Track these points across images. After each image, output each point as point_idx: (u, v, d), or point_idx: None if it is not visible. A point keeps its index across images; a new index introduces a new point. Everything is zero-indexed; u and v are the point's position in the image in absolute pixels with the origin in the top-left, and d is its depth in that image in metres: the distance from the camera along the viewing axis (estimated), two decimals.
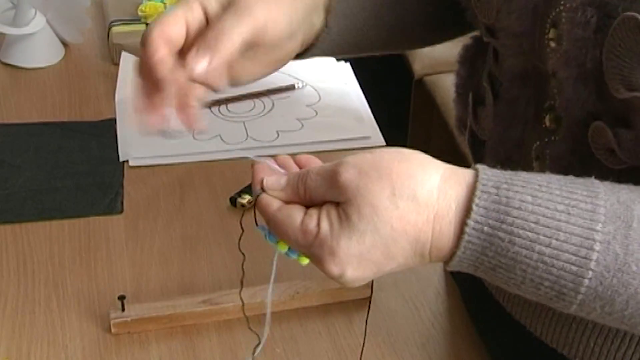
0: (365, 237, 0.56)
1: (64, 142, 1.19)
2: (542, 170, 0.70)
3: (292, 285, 0.92)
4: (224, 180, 1.12)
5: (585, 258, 0.54)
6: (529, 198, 0.55)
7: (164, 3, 1.40)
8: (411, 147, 1.90)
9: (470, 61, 0.82)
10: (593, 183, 0.57)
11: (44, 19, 1.35)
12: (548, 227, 0.54)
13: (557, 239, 0.54)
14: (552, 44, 0.66)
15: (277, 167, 0.63)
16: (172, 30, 0.65)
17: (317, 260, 0.58)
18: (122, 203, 1.08)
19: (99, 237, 1.03)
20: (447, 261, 0.57)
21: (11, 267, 0.98)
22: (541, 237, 0.54)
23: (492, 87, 0.76)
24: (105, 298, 0.93)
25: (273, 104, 1.28)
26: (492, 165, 0.78)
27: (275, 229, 0.60)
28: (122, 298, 0.89)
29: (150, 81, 0.66)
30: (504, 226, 0.54)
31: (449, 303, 0.94)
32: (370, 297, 0.93)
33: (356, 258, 0.56)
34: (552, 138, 0.70)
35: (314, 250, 0.57)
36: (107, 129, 1.21)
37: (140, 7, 1.40)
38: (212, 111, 1.26)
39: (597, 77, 0.63)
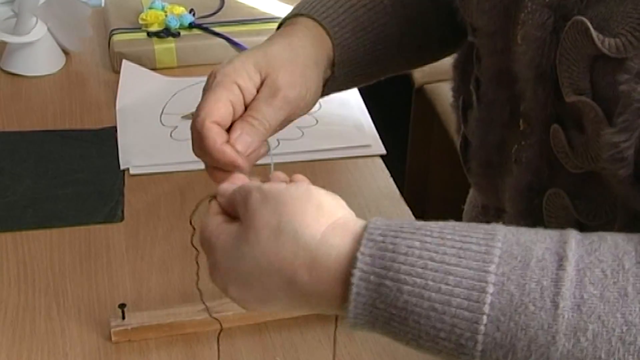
0: (243, 261, 0.57)
1: (65, 150, 1.19)
2: (520, 173, 0.71)
3: None
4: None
5: (478, 302, 0.51)
6: (417, 244, 0.53)
7: (165, 11, 1.41)
8: (411, 155, 1.90)
9: (462, 65, 0.83)
10: (494, 227, 0.54)
11: (45, 28, 1.35)
12: (436, 271, 0.52)
13: (446, 284, 0.51)
14: (520, 44, 0.67)
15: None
16: (222, 115, 0.68)
17: (209, 264, 0.61)
18: (122, 211, 1.08)
19: (99, 245, 1.03)
20: (344, 317, 0.56)
21: (12, 275, 0.98)
22: (430, 283, 0.52)
23: (477, 91, 0.78)
24: (105, 306, 0.93)
25: None
26: (476, 169, 0.79)
27: (200, 230, 0.63)
28: (122, 306, 0.89)
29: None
30: (390, 274, 0.52)
31: None
32: None
33: (235, 278, 0.58)
34: (526, 141, 0.71)
35: (209, 258, 0.61)
36: (107, 137, 1.22)
37: (141, 16, 1.40)
38: None
39: (554, 79, 0.64)
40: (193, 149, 0.71)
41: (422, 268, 0.52)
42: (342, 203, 0.59)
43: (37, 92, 1.32)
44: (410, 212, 1.09)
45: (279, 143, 1.21)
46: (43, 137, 1.22)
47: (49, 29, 1.36)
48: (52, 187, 1.12)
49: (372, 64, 0.81)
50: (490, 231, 0.54)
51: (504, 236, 0.53)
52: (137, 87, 1.32)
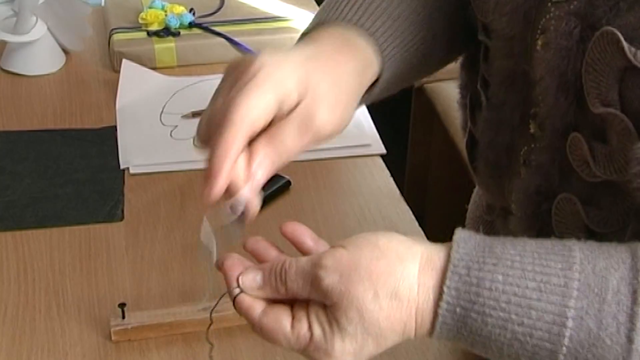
0: (356, 338, 0.57)
1: (65, 149, 1.19)
2: (529, 176, 0.70)
3: None
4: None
5: (558, 335, 0.54)
6: (500, 277, 0.55)
7: (165, 11, 1.41)
8: (412, 155, 1.89)
9: (469, 64, 0.83)
10: (571, 251, 0.56)
11: (45, 27, 1.35)
12: (520, 306, 0.55)
13: (529, 318, 0.54)
14: (540, 51, 0.66)
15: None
16: (260, 116, 0.61)
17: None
18: (122, 211, 1.08)
19: (99, 244, 1.03)
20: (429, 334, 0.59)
21: (12, 274, 0.98)
22: (513, 317, 0.55)
23: (485, 91, 0.77)
24: (105, 305, 0.93)
25: None
26: (483, 169, 0.78)
27: (261, 333, 0.60)
28: (122, 305, 0.89)
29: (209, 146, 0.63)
30: (475, 307, 0.55)
31: None
32: None
33: (351, 356, 0.58)
34: (537, 145, 0.70)
35: (310, 352, 0.59)
36: (107, 137, 1.22)
37: (141, 15, 1.40)
38: None
39: (577, 89, 0.63)
40: (199, 133, 0.64)
41: (506, 303, 0.55)
42: (402, 237, 0.60)
43: (37, 92, 1.32)
44: (410, 212, 1.09)
45: None
46: (43, 137, 1.22)
47: (48, 28, 1.36)
48: (52, 187, 1.12)
49: (405, 81, 0.77)
50: (568, 258, 0.56)
51: (581, 264, 0.55)
52: (137, 86, 1.32)
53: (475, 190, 0.92)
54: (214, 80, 1.45)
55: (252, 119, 0.60)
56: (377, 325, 0.57)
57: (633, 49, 0.57)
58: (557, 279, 0.55)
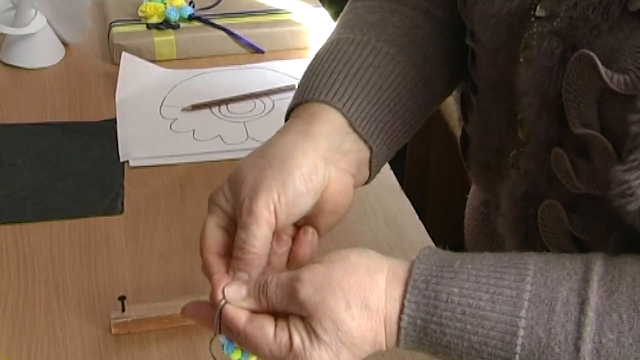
0: (332, 347, 0.60)
1: (64, 142, 1.19)
2: (517, 180, 0.71)
3: None
4: (224, 180, 1.11)
5: (510, 344, 0.57)
6: (456, 290, 0.59)
7: (164, 3, 1.40)
8: (411, 147, 1.89)
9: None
10: (526, 264, 0.59)
11: (45, 19, 1.35)
12: (474, 316, 0.58)
13: (483, 328, 0.58)
14: (523, 67, 0.66)
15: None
16: (215, 243, 0.67)
17: None
18: (122, 203, 1.08)
19: (99, 237, 1.03)
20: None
21: (11, 267, 0.98)
22: (468, 327, 0.58)
23: (474, 95, 0.77)
24: (105, 298, 0.93)
25: (273, 105, 1.28)
26: (475, 168, 0.78)
27: (245, 341, 0.63)
28: (122, 298, 0.89)
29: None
30: (434, 318, 0.59)
31: None
32: None
33: None
34: (525, 150, 0.70)
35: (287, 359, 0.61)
36: (107, 130, 1.21)
37: (140, 8, 1.40)
38: (212, 111, 1.26)
39: (559, 107, 0.63)
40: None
41: (461, 314, 0.58)
42: (372, 252, 0.64)
43: (37, 84, 1.32)
44: (409, 204, 1.09)
45: None
46: (42, 129, 1.22)
47: (48, 21, 1.35)
48: (51, 180, 1.12)
49: (409, 119, 0.74)
50: (522, 270, 0.59)
51: (534, 276, 0.59)
52: (136, 79, 1.32)
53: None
54: (214, 73, 1.46)
55: (213, 250, 0.67)
56: (350, 334, 0.60)
57: (610, 72, 0.57)
58: (509, 290, 0.58)
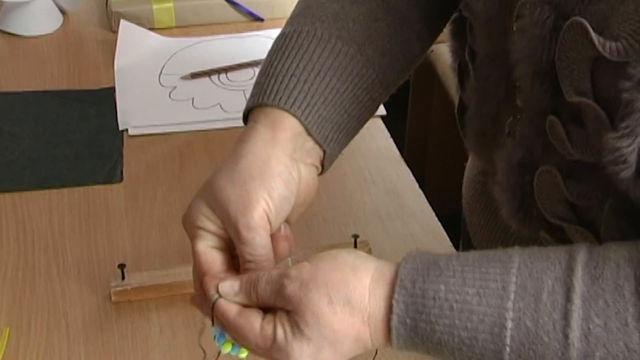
0: (313, 341, 0.61)
1: (63, 110, 1.19)
2: (513, 148, 0.71)
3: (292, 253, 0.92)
4: (223, 148, 1.11)
5: (500, 336, 0.58)
6: (442, 287, 0.59)
7: None
8: (412, 116, 1.88)
9: (457, 34, 0.82)
10: (510, 257, 0.60)
11: None
12: (462, 312, 0.58)
13: (471, 322, 0.58)
14: (516, 36, 0.66)
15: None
16: (212, 266, 0.68)
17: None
18: (121, 172, 1.08)
19: (98, 206, 1.03)
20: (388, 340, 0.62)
21: (11, 235, 0.98)
22: (457, 322, 0.59)
23: (472, 62, 0.77)
24: (105, 266, 0.94)
25: None
26: (471, 136, 0.79)
27: (235, 333, 0.64)
28: (122, 266, 0.89)
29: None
30: (423, 316, 0.59)
31: None
32: None
33: (309, 358, 0.62)
34: (521, 116, 0.70)
35: (273, 353, 0.63)
36: (106, 98, 1.21)
37: None
38: (211, 80, 1.25)
39: (552, 76, 0.63)
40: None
41: (449, 310, 0.59)
42: (362, 253, 0.64)
43: (35, 52, 1.31)
44: (409, 173, 1.09)
45: None
46: (41, 98, 1.21)
47: None
48: (50, 148, 1.11)
49: (362, 116, 0.76)
50: (507, 264, 0.59)
51: (519, 268, 0.59)
52: (135, 47, 1.31)
53: None
54: (213, 41, 1.45)
55: (211, 274, 0.68)
56: (332, 329, 0.60)
57: (602, 40, 0.57)
58: (495, 283, 0.58)
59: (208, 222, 0.68)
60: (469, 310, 0.58)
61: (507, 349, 0.57)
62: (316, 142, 0.71)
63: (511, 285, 0.58)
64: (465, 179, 0.93)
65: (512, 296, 0.58)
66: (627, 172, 0.58)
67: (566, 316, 0.57)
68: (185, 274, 0.90)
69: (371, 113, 0.77)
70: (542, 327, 0.57)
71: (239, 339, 0.64)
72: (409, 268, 0.61)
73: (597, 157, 0.60)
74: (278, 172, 0.68)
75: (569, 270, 0.58)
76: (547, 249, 0.60)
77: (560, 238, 0.70)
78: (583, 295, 0.57)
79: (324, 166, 0.74)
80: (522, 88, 0.68)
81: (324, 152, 0.72)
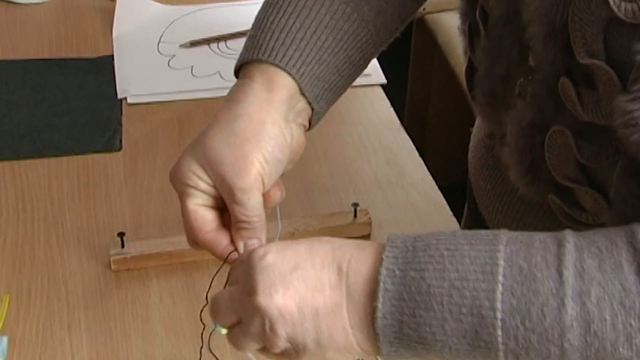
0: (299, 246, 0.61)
1: (61, 79, 1.18)
2: (524, 108, 0.71)
3: (292, 222, 0.92)
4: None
5: (492, 273, 0.56)
6: (434, 241, 0.59)
7: None
8: (412, 85, 1.88)
9: None
10: (499, 231, 0.60)
11: None
12: (453, 256, 0.58)
13: (462, 264, 0.57)
14: None
15: None
16: (204, 223, 0.69)
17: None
18: (120, 140, 1.07)
19: (97, 174, 1.02)
20: (371, 325, 0.59)
21: (10, 204, 0.98)
22: (447, 266, 0.57)
23: (483, 22, 0.76)
24: (104, 235, 0.93)
25: None
26: (480, 98, 0.78)
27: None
28: (121, 235, 0.89)
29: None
30: (413, 265, 0.58)
31: None
32: (370, 234, 0.93)
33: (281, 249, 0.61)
34: (534, 77, 0.70)
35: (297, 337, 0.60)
36: (104, 66, 1.20)
37: None
38: (211, 48, 1.25)
39: (565, 37, 0.63)
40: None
41: (440, 257, 0.58)
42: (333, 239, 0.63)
43: (32, 20, 1.30)
44: (410, 142, 1.09)
45: None
46: (39, 66, 1.20)
47: None
48: (49, 116, 1.11)
49: (352, 74, 0.77)
50: (496, 233, 0.59)
51: (508, 233, 0.59)
52: (134, 15, 1.30)
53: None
54: (212, 9, 1.44)
55: (203, 231, 0.69)
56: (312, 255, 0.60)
57: (617, 1, 0.56)
58: (486, 236, 0.59)
59: (199, 181, 0.68)
60: (460, 254, 0.57)
61: (500, 286, 0.56)
62: (308, 102, 0.72)
63: (502, 236, 0.58)
64: (471, 144, 0.93)
65: (503, 241, 0.58)
66: (638, 136, 0.57)
67: (559, 257, 0.56)
68: (184, 242, 0.89)
69: (361, 71, 0.78)
70: (535, 265, 0.56)
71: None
72: (397, 235, 0.61)
73: (608, 119, 0.60)
74: (274, 135, 0.68)
75: (560, 234, 0.58)
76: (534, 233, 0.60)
77: (569, 202, 0.70)
78: (576, 244, 0.57)
79: (311, 124, 0.74)
80: (534, 49, 0.68)
81: (313, 110, 0.73)
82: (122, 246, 0.89)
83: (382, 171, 1.04)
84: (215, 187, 0.68)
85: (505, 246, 0.57)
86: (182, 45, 1.24)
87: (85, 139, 1.07)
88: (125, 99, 1.14)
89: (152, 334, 0.83)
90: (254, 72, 0.70)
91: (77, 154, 1.05)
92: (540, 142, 0.69)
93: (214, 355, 0.80)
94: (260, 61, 0.70)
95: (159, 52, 1.24)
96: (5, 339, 0.81)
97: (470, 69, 0.81)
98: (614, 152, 0.64)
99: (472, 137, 0.93)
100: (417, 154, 1.07)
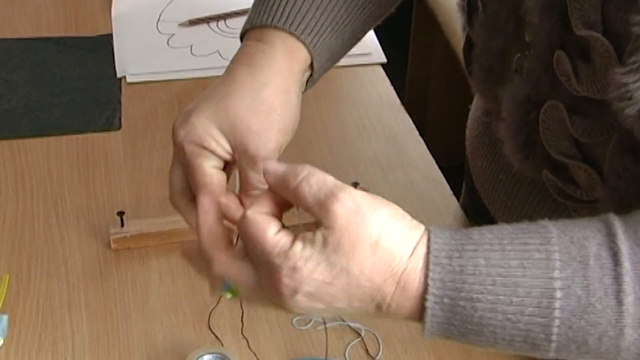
0: (333, 270, 0.55)
1: (60, 58, 1.17)
2: (520, 83, 0.70)
3: None
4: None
5: (549, 308, 0.54)
6: (482, 261, 0.55)
7: None
8: (412, 64, 1.87)
9: None
10: (545, 227, 0.56)
11: None
12: (506, 285, 0.54)
13: (517, 296, 0.54)
14: None
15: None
16: (219, 188, 0.67)
17: (273, 272, 0.56)
18: (119, 119, 1.07)
19: (97, 153, 1.02)
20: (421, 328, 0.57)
21: (9, 183, 0.98)
22: (501, 297, 0.54)
23: None
24: (104, 214, 0.93)
25: None
26: (477, 73, 0.78)
27: (246, 228, 0.57)
28: (121, 214, 0.89)
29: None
30: (462, 294, 0.54)
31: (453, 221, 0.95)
32: None
33: (315, 284, 0.55)
34: (530, 52, 0.69)
35: (275, 260, 0.56)
36: (103, 45, 1.20)
37: None
38: (210, 27, 1.24)
39: (561, 10, 0.62)
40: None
41: (492, 285, 0.54)
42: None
43: None
44: (410, 121, 1.09)
45: None
46: (38, 45, 1.20)
47: None
48: (48, 95, 1.10)
49: (349, 49, 0.77)
50: (544, 234, 0.56)
51: (558, 237, 0.55)
52: None
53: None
54: None
55: (217, 195, 0.65)
56: (361, 268, 0.55)
57: None
58: (538, 253, 0.55)
59: (217, 146, 0.66)
60: (514, 283, 0.54)
61: (557, 321, 0.54)
62: (311, 73, 0.71)
63: (555, 254, 0.54)
64: (469, 122, 0.93)
65: (557, 264, 0.54)
66: (633, 109, 0.57)
67: (618, 280, 0.53)
68: (184, 221, 0.90)
69: (351, 48, 0.78)
70: (594, 293, 0.53)
71: (248, 237, 0.57)
72: (440, 243, 0.56)
73: (603, 93, 0.59)
74: (295, 105, 0.68)
75: (611, 236, 0.55)
76: (578, 220, 0.57)
77: (563, 178, 0.70)
78: (632, 258, 0.54)
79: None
80: (531, 22, 0.67)
81: (307, 81, 0.73)
82: (122, 225, 0.89)
83: (382, 150, 1.04)
84: (232, 154, 0.67)
85: (560, 271, 0.54)
86: (182, 24, 1.24)
87: (84, 118, 1.07)
88: (125, 78, 1.14)
89: (151, 312, 0.83)
90: (274, 40, 0.69)
91: (76, 133, 1.05)
92: (536, 117, 0.69)
93: (214, 335, 0.81)
94: (276, 28, 0.69)
95: (158, 31, 1.23)
96: (5, 318, 0.81)
97: (468, 45, 0.81)
98: (608, 127, 0.63)
99: (470, 115, 0.93)
100: (417, 133, 1.07)
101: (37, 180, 0.98)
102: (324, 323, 0.82)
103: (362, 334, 0.81)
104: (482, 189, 0.86)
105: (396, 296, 0.55)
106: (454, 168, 1.06)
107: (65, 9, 1.27)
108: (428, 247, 0.55)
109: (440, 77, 2.05)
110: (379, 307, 0.56)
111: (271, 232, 0.56)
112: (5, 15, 1.26)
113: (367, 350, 0.80)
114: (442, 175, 1.01)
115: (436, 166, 1.02)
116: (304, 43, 0.69)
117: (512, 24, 0.72)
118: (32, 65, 1.16)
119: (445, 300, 0.54)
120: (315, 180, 0.56)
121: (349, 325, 0.81)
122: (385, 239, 0.55)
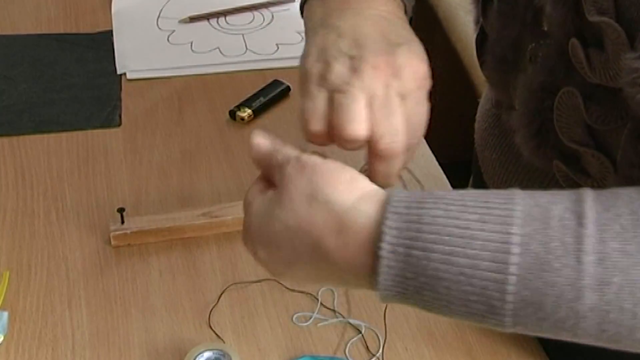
0: (275, 223, 0.58)
1: (60, 54, 1.17)
2: (534, 72, 0.71)
3: None
4: (222, 93, 1.11)
5: (504, 263, 0.52)
6: (441, 212, 0.54)
7: None
8: None
9: None
10: (512, 191, 0.55)
11: None
12: (462, 237, 0.53)
13: (472, 248, 0.53)
14: None
15: None
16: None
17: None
18: (120, 116, 1.07)
19: (97, 150, 1.02)
20: (374, 288, 0.56)
21: (9, 179, 0.98)
22: (456, 249, 0.53)
23: None
24: (104, 211, 0.93)
25: (272, 17, 1.26)
26: (490, 63, 0.78)
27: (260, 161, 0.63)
28: (121, 210, 0.89)
29: None
30: (417, 243, 0.53)
31: None
32: None
33: (265, 240, 0.59)
34: (546, 41, 0.70)
35: (244, 220, 0.62)
36: (104, 41, 1.20)
37: None
38: (210, 23, 1.24)
39: None
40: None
41: (448, 235, 0.53)
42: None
43: None
44: None
45: (277, 47, 1.19)
46: (38, 41, 1.20)
47: None
48: (48, 92, 1.10)
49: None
50: (509, 195, 0.55)
51: (523, 199, 0.54)
52: None
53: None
54: None
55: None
56: (297, 220, 0.57)
57: None
58: (499, 211, 0.53)
59: None
60: (470, 235, 0.53)
61: (512, 278, 0.52)
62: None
63: (516, 212, 0.53)
64: (478, 115, 0.93)
65: (518, 222, 0.53)
66: None
67: (579, 240, 0.51)
68: (184, 218, 0.90)
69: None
70: (552, 251, 0.51)
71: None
72: (401, 196, 0.55)
73: (615, 80, 0.59)
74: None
75: (579, 201, 0.53)
76: (549, 192, 0.56)
77: (574, 167, 0.70)
78: (597, 221, 0.52)
79: None
80: (545, 11, 0.67)
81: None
82: (122, 222, 0.89)
83: None
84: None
85: (520, 227, 0.52)
86: (182, 21, 1.24)
87: (84, 114, 1.07)
88: (125, 74, 1.14)
89: (152, 309, 0.83)
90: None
91: (76, 129, 1.05)
92: (550, 105, 0.69)
93: (214, 332, 0.81)
94: None
95: (159, 27, 1.23)
96: (5, 315, 0.81)
97: (482, 36, 0.81)
98: (623, 114, 0.63)
99: (479, 107, 0.93)
100: None
101: (37, 177, 0.98)
102: (325, 320, 0.82)
103: (363, 331, 0.81)
104: (491, 181, 0.86)
105: (339, 250, 0.56)
106: (455, 165, 1.06)
107: (66, 5, 1.27)
108: (387, 199, 0.56)
109: (441, 74, 2.04)
110: (331, 265, 0.57)
111: (255, 186, 0.62)
112: (5, 12, 1.26)
113: (367, 347, 0.80)
114: (442, 172, 1.01)
115: (437, 163, 1.02)
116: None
117: (531, 12, 0.72)
118: (32, 61, 1.16)
119: (400, 249, 0.54)
120: (282, 154, 0.61)
121: (349, 322, 0.81)
122: (319, 192, 0.57)
